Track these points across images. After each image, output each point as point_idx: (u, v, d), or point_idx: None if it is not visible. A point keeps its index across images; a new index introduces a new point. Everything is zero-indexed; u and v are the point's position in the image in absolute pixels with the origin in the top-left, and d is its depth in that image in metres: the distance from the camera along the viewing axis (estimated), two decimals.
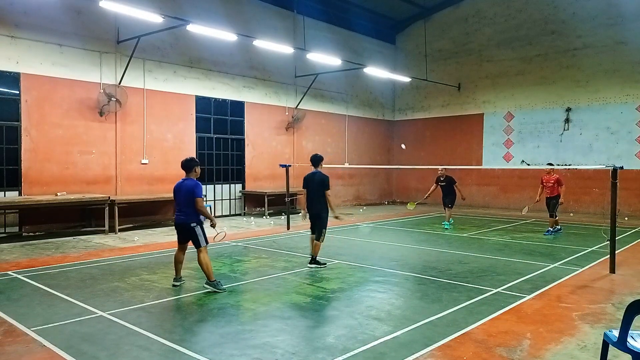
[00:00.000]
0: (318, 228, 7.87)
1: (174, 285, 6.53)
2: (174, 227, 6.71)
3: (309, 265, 7.86)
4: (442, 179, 13.12)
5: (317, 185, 7.82)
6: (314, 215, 7.92)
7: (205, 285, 6.35)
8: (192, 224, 6.35)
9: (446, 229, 12.80)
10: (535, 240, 10.80)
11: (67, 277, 7.09)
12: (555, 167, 12.37)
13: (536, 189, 12.23)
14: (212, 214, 14.83)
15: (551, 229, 11.58)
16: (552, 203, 11.44)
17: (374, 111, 21.02)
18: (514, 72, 18.18)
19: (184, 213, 6.41)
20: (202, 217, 6.47)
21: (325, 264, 7.97)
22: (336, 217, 8.10)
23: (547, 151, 17.30)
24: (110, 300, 5.85)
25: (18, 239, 10.44)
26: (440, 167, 13.25)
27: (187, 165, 6.50)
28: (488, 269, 7.75)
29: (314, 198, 7.87)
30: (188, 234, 6.43)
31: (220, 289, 6.29)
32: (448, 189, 13.13)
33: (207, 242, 6.47)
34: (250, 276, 7.28)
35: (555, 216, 11.51)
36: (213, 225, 6.60)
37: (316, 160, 8.02)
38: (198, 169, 6.56)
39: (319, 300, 5.97)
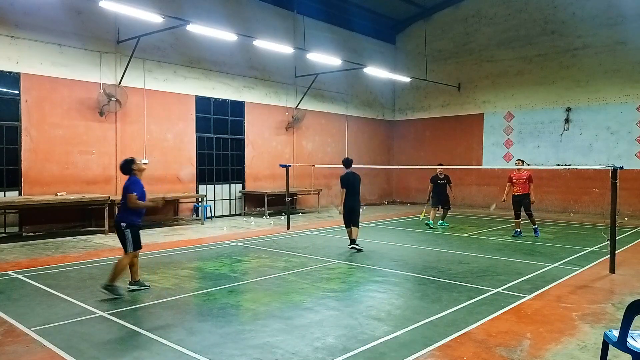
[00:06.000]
0: (354, 219, 9.42)
1: (131, 291, 6.16)
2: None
3: (352, 247, 9.37)
4: (441, 176, 13.15)
5: (359, 183, 9.51)
6: (354, 209, 9.41)
7: (102, 290, 5.92)
8: (123, 224, 6.11)
9: (443, 226, 13.02)
10: (535, 240, 10.79)
11: (67, 277, 7.10)
12: (527, 167, 11.89)
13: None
14: (207, 215, 14.83)
15: (536, 227, 11.18)
16: (525, 203, 11.05)
17: (374, 111, 21.01)
18: (514, 72, 18.18)
19: (119, 211, 6.36)
20: (139, 220, 6.23)
21: (362, 249, 9.39)
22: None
23: (547, 151, 17.31)
24: (110, 301, 5.84)
25: (18, 239, 10.44)
26: (438, 167, 13.25)
27: (124, 168, 6.34)
28: (488, 269, 7.75)
29: (356, 194, 9.47)
30: (118, 234, 6.19)
31: (118, 294, 5.92)
32: (445, 188, 13.18)
33: (134, 249, 6.17)
34: (250, 276, 7.28)
35: (531, 215, 11.19)
36: (159, 204, 6.51)
37: (349, 162, 9.59)
38: (139, 166, 6.38)
39: (319, 300, 5.96)
